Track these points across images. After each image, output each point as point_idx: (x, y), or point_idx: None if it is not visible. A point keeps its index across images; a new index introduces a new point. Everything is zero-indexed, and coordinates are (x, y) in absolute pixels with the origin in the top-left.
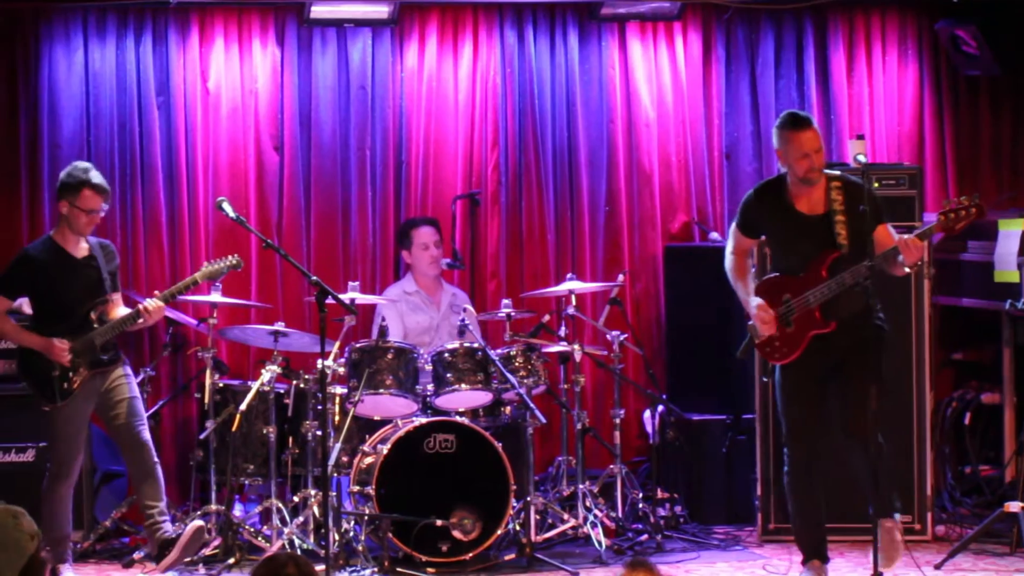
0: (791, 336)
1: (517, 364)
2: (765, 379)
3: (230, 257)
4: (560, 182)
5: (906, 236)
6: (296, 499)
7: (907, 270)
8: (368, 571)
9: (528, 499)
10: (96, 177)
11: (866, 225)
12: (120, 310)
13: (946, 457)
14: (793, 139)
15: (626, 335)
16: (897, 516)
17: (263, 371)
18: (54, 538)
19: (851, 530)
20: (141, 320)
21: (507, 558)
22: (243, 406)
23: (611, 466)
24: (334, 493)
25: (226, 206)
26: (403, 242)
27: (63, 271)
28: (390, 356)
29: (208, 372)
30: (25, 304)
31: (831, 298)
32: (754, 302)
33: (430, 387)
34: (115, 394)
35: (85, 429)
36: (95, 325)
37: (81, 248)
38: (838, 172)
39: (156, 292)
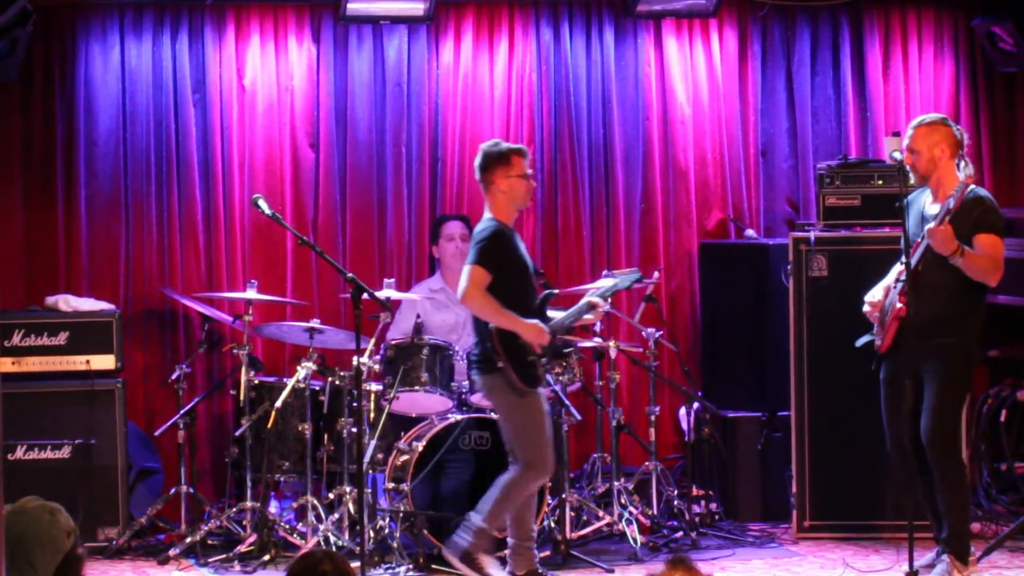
0: (888, 325)
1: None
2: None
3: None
4: (596, 179)
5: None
6: (331, 496)
7: (956, 260)
8: (403, 568)
9: (563, 496)
10: (512, 144)
11: (962, 232)
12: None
13: (982, 454)
14: None
15: (661, 332)
16: (945, 558)
17: (298, 368)
18: (523, 544)
19: (886, 527)
20: (590, 316)
21: (543, 555)
22: (278, 403)
23: (646, 463)
24: (369, 490)
25: (262, 203)
26: (433, 237)
27: (522, 251)
28: (425, 353)
29: (243, 369)
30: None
31: (907, 288)
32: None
33: (465, 384)
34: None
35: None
36: (550, 319)
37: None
38: (973, 185)
39: (594, 289)
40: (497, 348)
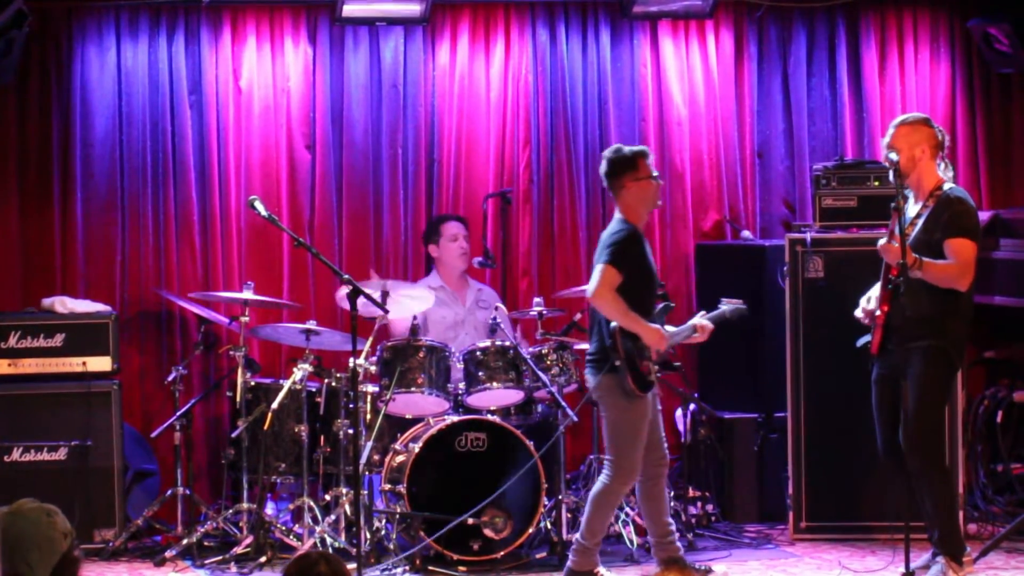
0: (875, 328)
1: (549, 362)
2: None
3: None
4: (592, 180)
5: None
6: (328, 497)
7: (915, 273)
8: (399, 569)
9: (559, 497)
10: (638, 146)
11: (936, 235)
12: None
13: (978, 455)
14: None
15: None
16: (940, 559)
17: (295, 369)
18: (595, 544)
19: (882, 528)
20: (696, 335)
21: (538, 556)
22: (275, 404)
23: None
24: (365, 491)
25: (258, 205)
26: (431, 237)
27: (649, 257)
28: (422, 354)
29: (240, 370)
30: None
31: (891, 292)
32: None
33: (461, 385)
34: (655, 411)
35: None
36: (664, 323)
37: None
38: (950, 186)
39: (704, 312)
40: (618, 348)
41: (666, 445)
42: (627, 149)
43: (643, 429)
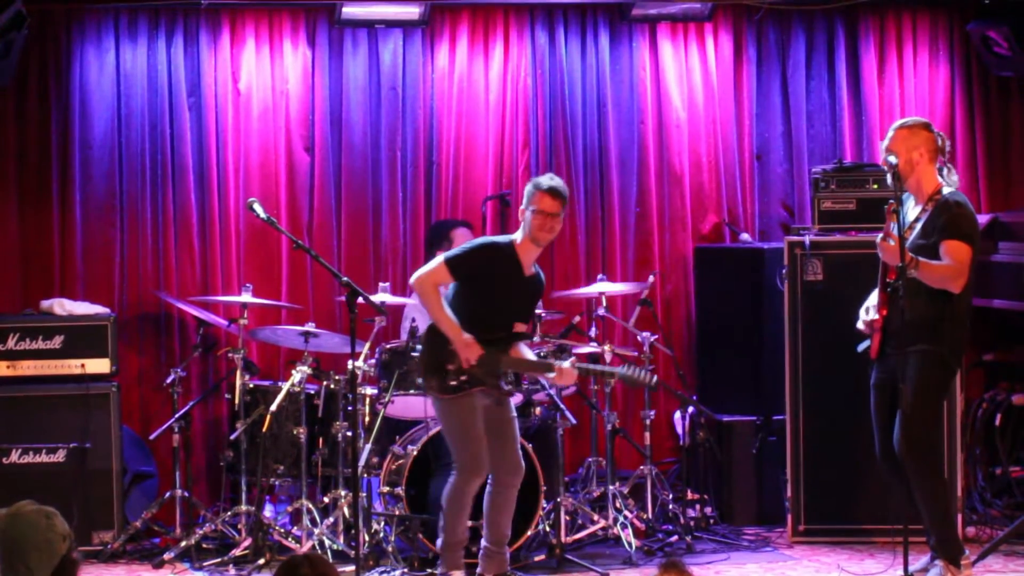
0: (873, 333)
1: None
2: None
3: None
4: (591, 183)
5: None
6: (326, 500)
7: (912, 272)
8: (398, 572)
9: (558, 500)
10: (549, 182)
11: (933, 238)
12: (526, 350)
13: (976, 458)
14: None
15: (656, 336)
16: (938, 563)
17: (293, 372)
18: (451, 543)
19: (881, 531)
20: (551, 375)
21: (537, 559)
22: (273, 407)
23: (641, 467)
24: (364, 494)
25: (257, 207)
26: (440, 243)
27: (510, 281)
28: None
29: (238, 373)
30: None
31: (889, 295)
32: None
33: None
34: (505, 419)
35: (481, 425)
36: (508, 352)
37: (530, 269)
38: (950, 190)
39: (575, 359)
40: (424, 343)
41: (520, 456)
42: (540, 181)
43: (471, 424)
